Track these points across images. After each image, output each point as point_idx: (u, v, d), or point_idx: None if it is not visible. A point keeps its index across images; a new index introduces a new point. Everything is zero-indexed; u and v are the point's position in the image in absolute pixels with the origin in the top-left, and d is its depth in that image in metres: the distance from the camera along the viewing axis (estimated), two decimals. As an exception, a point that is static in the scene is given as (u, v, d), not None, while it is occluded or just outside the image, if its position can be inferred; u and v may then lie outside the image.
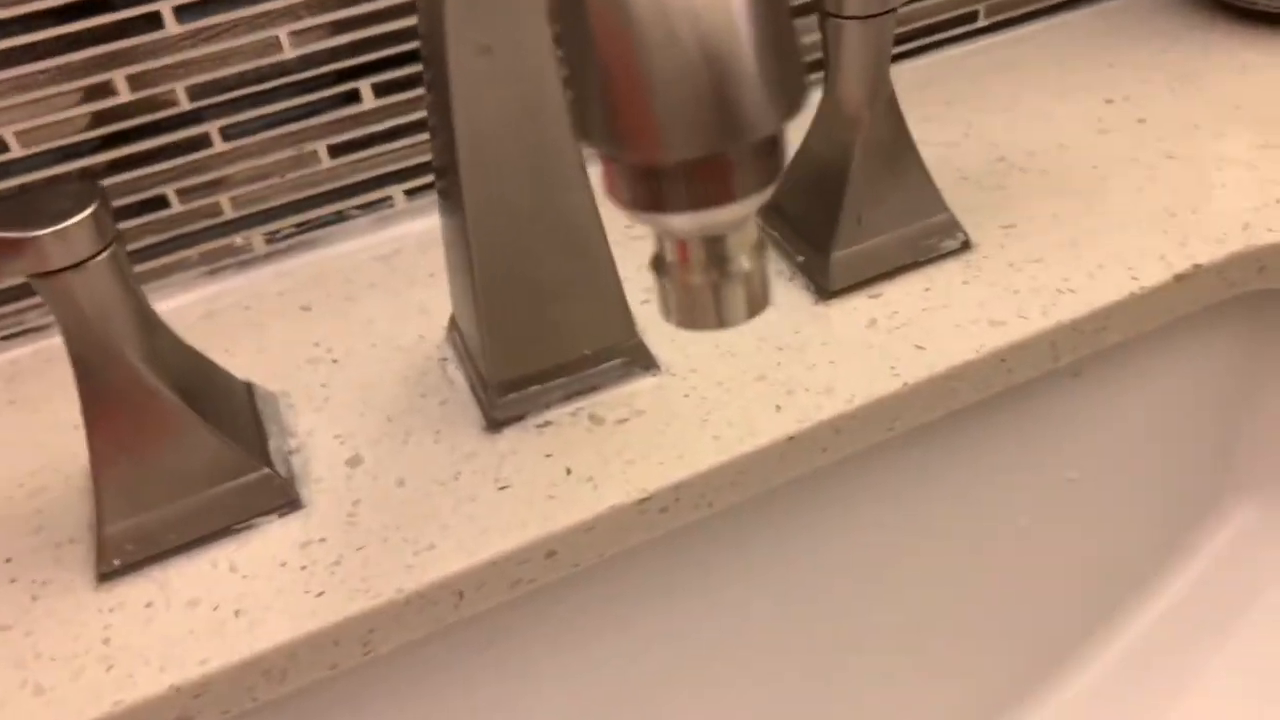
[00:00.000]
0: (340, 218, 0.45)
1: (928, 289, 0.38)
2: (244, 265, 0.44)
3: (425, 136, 0.44)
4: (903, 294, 0.38)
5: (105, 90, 0.39)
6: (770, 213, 0.42)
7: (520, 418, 0.35)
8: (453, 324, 0.38)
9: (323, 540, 0.32)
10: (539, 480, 0.33)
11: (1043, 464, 0.41)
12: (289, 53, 0.41)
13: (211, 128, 0.41)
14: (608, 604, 0.35)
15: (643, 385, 0.36)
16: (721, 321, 0.21)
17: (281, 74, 0.41)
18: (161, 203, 0.42)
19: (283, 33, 0.40)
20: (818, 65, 0.49)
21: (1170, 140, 0.44)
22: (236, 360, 0.40)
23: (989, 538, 0.41)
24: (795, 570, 0.38)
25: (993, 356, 0.36)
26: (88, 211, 0.28)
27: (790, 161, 0.41)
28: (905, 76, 0.51)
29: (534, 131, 0.31)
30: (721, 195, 0.18)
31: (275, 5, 0.39)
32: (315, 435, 0.36)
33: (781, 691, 0.40)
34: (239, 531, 0.33)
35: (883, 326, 0.37)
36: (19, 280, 0.40)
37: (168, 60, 0.39)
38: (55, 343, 0.41)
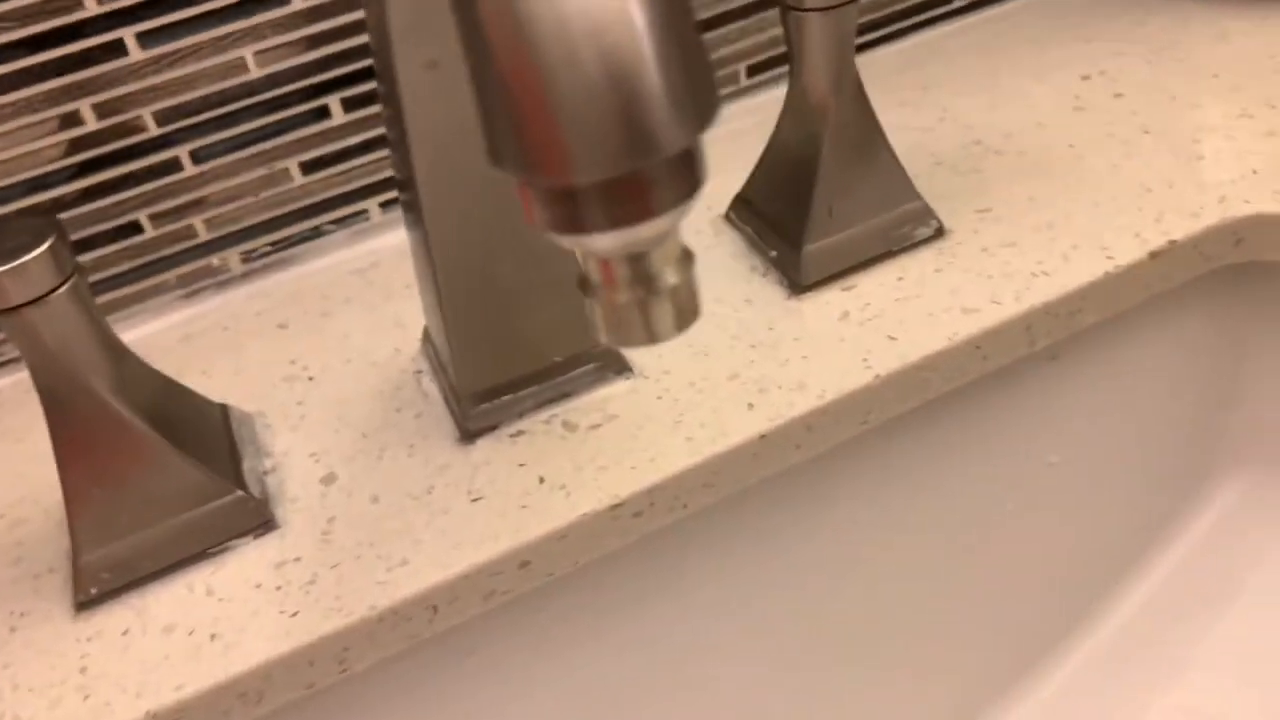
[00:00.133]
0: (316, 234, 0.45)
1: (901, 278, 0.38)
2: (221, 286, 0.44)
3: (395, 149, 0.44)
4: (876, 285, 0.38)
5: (73, 120, 0.39)
6: (742, 208, 0.42)
7: (494, 428, 0.35)
8: (426, 336, 0.38)
9: (297, 560, 0.32)
10: (512, 490, 0.33)
11: (1023, 450, 0.40)
12: (255, 72, 0.41)
13: (181, 151, 0.41)
14: (587, 611, 0.35)
15: (616, 389, 0.36)
16: (651, 337, 0.20)
17: (249, 94, 0.41)
18: (135, 229, 0.42)
19: (248, 53, 0.40)
20: (783, 59, 0.49)
21: (1147, 114, 0.44)
22: (214, 382, 0.40)
23: (971, 527, 0.41)
24: (774, 570, 0.38)
25: (966, 344, 0.36)
26: (44, 246, 0.29)
27: (760, 157, 0.41)
28: (882, 62, 0.51)
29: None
30: (640, 213, 0.18)
31: (239, 26, 0.40)
32: (291, 455, 0.36)
33: (764, 692, 0.40)
34: (214, 555, 0.33)
35: (855, 319, 0.37)
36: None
37: (133, 87, 0.39)
38: (37, 372, 0.42)
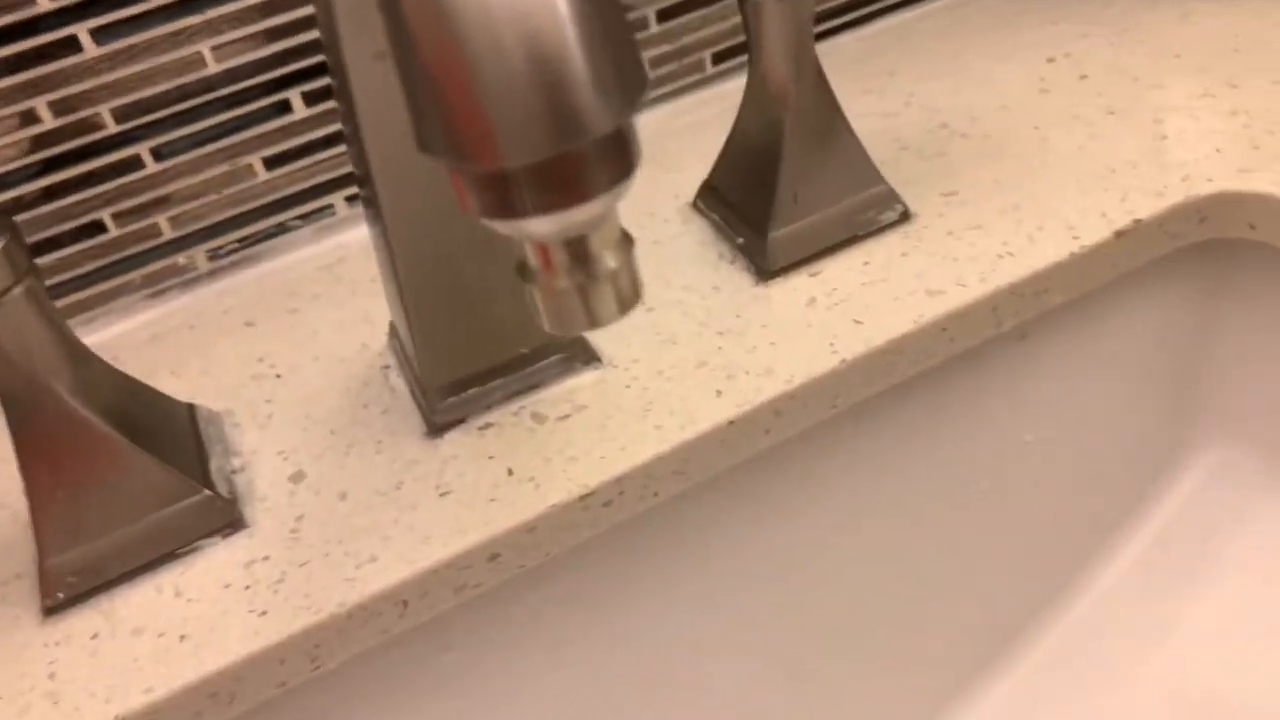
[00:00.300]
0: (282, 230, 0.44)
1: (867, 263, 0.38)
2: (188, 285, 0.44)
3: (359, 143, 0.44)
4: (842, 270, 0.38)
5: (30, 118, 0.38)
6: (708, 196, 0.42)
7: (461, 421, 0.35)
8: (392, 331, 0.38)
9: (266, 559, 0.32)
10: (481, 483, 0.33)
11: (994, 430, 0.41)
12: (213, 68, 0.40)
13: (142, 149, 0.41)
14: (563, 603, 0.35)
15: (584, 380, 0.36)
16: (593, 322, 0.20)
17: (207, 90, 0.41)
18: (98, 228, 0.41)
19: (205, 48, 0.40)
20: (743, 48, 0.49)
21: (1111, 95, 0.44)
22: (182, 382, 0.39)
23: (945, 507, 0.41)
24: (748, 555, 0.38)
25: (932, 326, 0.36)
26: (-2, 247, 0.28)
27: (724, 145, 0.40)
28: (848, 48, 0.51)
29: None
30: (573, 196, 0.18)
31: (193, 21, 0.39)
32: (259, 453, 0.36)
33: (739, 677, 0.40)
34: (183, 555, 0.33)
35: (822, 304, 0.37)
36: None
37: (90, 83, 0.39)
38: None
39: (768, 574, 0.39)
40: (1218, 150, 0.40)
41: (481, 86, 0.16)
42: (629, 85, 0.17)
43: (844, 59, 0.50)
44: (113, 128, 0.40)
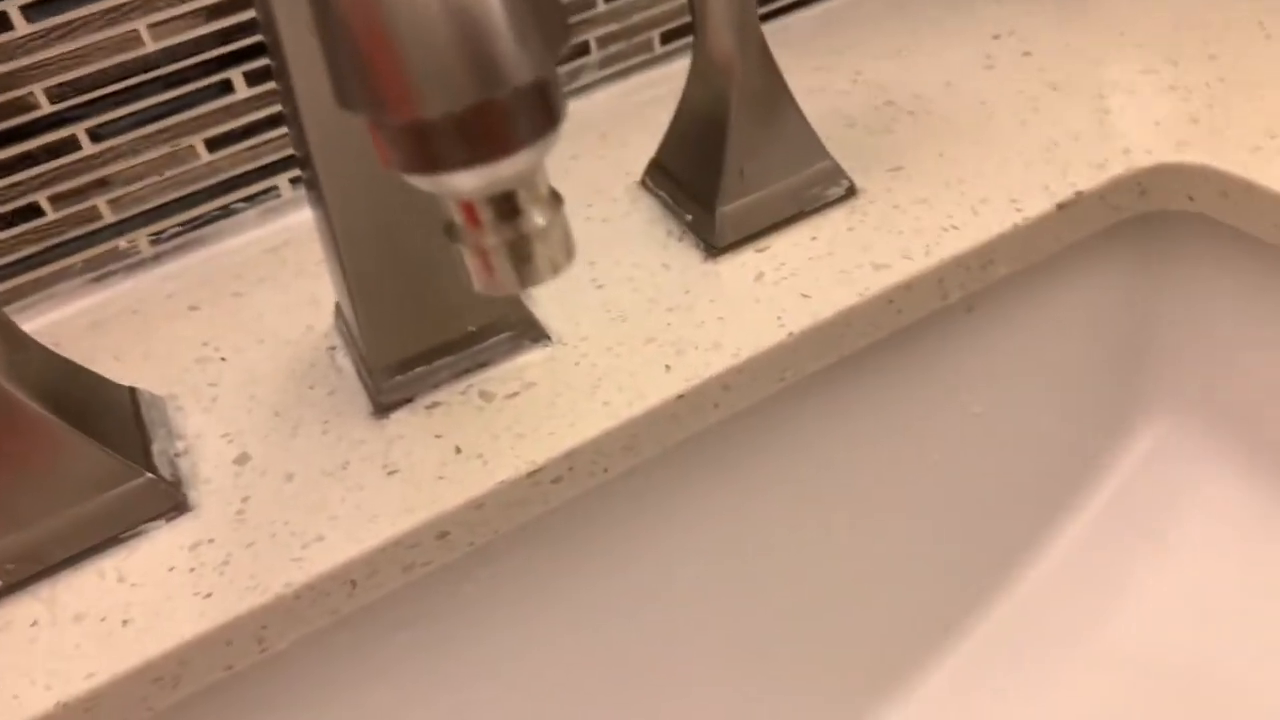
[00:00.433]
0: (226, 212, 0.44)
1: (814, 238, 0.38)
2: (131, 269, 0.43)
3: (304, 123, 0.43)
4: (790, 245, 0.38)
5: (-40, 99, 0.37)
6: (656, 173, 0.42)
7: (408, 400, 0.35)
8: (338, 311, 0.38)
9: (211, 541, 0.32)
10: (428, 462, 0.33)
11: (944, 401, 0.41)
12: (151, 46, 0.40)
13: (78, 129, 0.40)
14: (515, 580, 0.35)
15: (533, 357, 0.36)
16: (522, 282, 0.20)
17: (145, 69, 0.40)
18: (35, 211, 0.41)
19: (141, 26, 0.39)
20: (691, 28, 0.49)
21: (1054, 71, 0.44)
22: (125, 367, 0.39)
23: (896, 478, 0.41)
24: (701, 530, 0.38)
25: (879, 299, 0.36)
26: (-75, 226, 0.27)
27: (670, 122, 0.40)
28: (797, 27, 0.51)
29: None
30: (497, 148, 0.17)
31: (129, -2, 0.38)
32: (203, 436, 0.35)
33: (697, 651, 0.40)
34: (126, 540, 0.32)
35: (770, 279, 0.37)
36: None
37: (23, 62, 0.38)
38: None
39: (720, 547, 0.39)
40: (1157, 123, 0.41)
41: (398, 35, 0.16)
42: (550, 36, 0.17)
43: (792, 37, 0.50)
44: (47, 108, 0.39)
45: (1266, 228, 0.38)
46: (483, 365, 0.36)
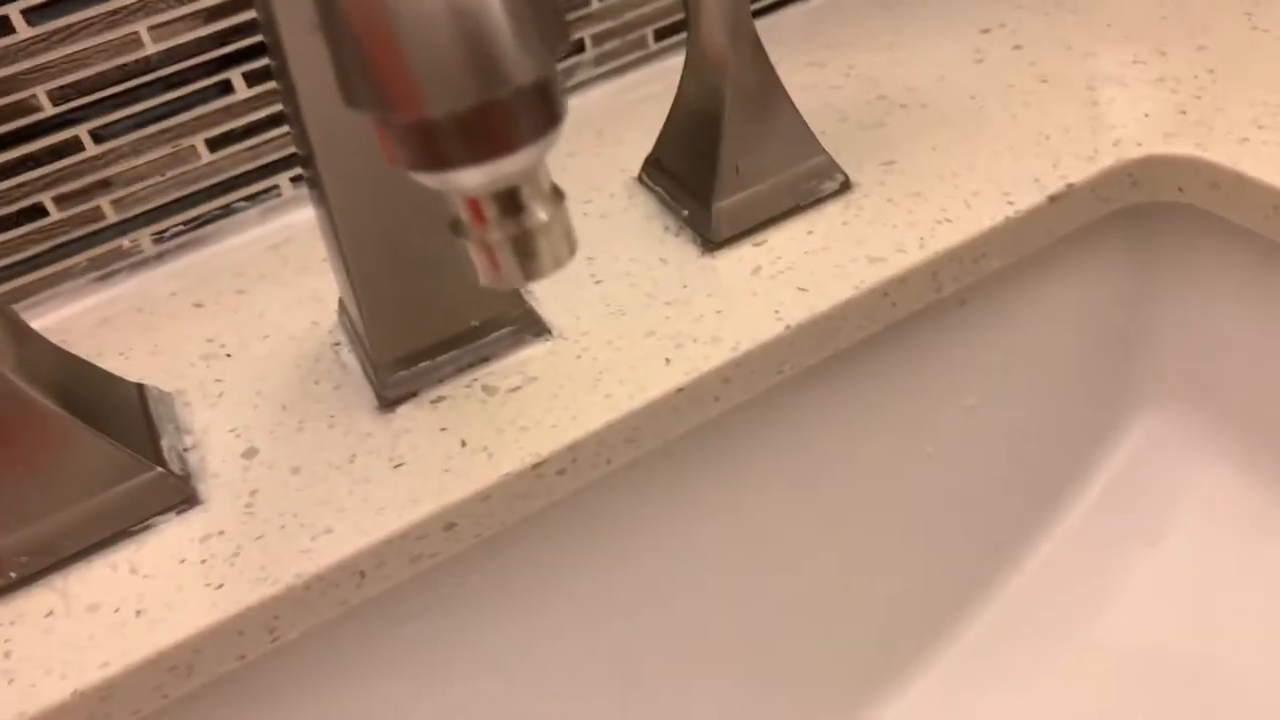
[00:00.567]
0: (228, 211, 0.44)
1: (810, 232, 0.39)
2: (135, 268, 0.43)
3: (304, 122, 0.44)
4: (786, 239, 0.39)
5: (-35, 102, 0.38)
6: (653, 169, 0.42)
7: (413, 395, 0.35)
8: (342, 308, 0.38)
9: (221, 533, 0.32)
10: (434, 455, 0.33)
11: (939, 394, 0.42)
12: (151, 48, 0.40)
13: (81, 131, 0.40)
14: (521, 571, 0.36)
15: (535, 351, 0.36)
16: (527, 276, 0.21)
17: (146, 70, 0.40)
18: (39, 211, 0.41)
19: (142, 28, 0.39)
20: (685, 25, 0.49)
21: (1044, 64, 0.45)
22: (132, 363, 0.39)
23: (892, 470, 0.42)
24: (703, 521, 0.39)
25: (874, 292, 0.36)
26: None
27: (666, 118, 0.41)
28: (790, 23, 0.52)
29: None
30: (500, 146, 0.18)
31: (130, 0, 0.39)
32: (211, 431, 0.36)
33: (702, 641, 0.41)
34: (137, 533, 0.33)
35: (767, 273, 0.38)
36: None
37: (25, 65, 0.38)
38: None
39: (723, 537, 0.39)
40: (1146, 115, 0.41)
41: (403, 35, 0.16)
42: (550, 35, 0.18)
43: (785, 33, 0.51)
44: (50, 110, 0.39)
45: (1256, 218, 0.38)
46: (485, 360, 0.36)
